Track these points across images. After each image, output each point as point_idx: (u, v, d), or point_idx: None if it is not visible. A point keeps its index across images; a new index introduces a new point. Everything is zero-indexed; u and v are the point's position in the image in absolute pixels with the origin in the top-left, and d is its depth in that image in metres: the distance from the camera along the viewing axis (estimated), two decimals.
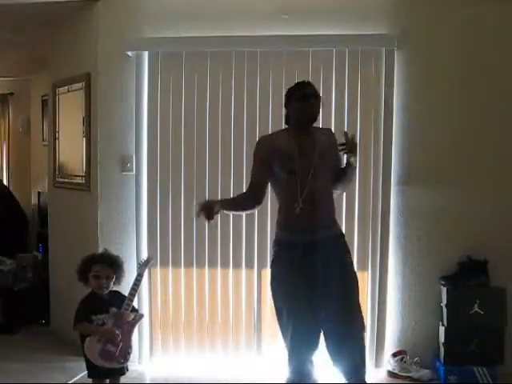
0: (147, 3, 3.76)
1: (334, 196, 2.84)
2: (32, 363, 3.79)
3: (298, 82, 2.83)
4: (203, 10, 3.70)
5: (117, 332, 2.77)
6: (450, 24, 3.61)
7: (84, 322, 2.80)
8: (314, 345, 2.72)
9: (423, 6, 3.61)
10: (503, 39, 3.60)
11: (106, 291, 2.88)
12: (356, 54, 3.62)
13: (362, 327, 2.74)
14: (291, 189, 2.72)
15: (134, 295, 2.91)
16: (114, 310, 2.82)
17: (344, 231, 2.93)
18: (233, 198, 3.12)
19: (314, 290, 2.67)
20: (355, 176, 3.08)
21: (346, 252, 2.80)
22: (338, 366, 2.69)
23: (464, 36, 3.61)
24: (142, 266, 3.06)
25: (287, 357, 2.74)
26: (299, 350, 2.71)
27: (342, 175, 2.84)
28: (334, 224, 2.82)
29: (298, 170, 2.70)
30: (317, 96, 2.78)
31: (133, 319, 2.88)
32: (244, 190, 2.94)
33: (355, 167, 2.87)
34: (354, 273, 2.79)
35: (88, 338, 2.78)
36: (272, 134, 2.98)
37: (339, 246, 2.78)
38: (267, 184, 2.83)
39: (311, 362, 2.73)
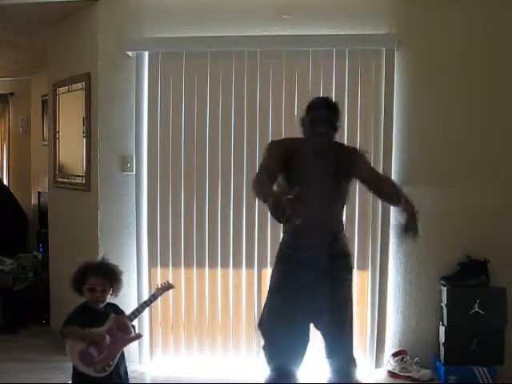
0: (147, 3, 3.76)
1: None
2: (32, 363, 3.79)
3: (315, 99, 2.69)
4: (203, 10, 3.70)
5: (107, 337, 2.58)
6: (450, 24, 3.61)
7: (73, 327, 2.57)
8: (296, 358, 2.67)
9: (423, 6, 3.60)
10: (503, 39, 3.60)
11: (102, 305, 2.66)
12: (356, 54, 3.62)
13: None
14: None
15: (141, 311, 2.80)
16: (114, 316, 2.66)
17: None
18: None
19: (303, 307, 2.62)
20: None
21: (343, 273, 2.70)
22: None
23: (464, 36, 3.61)
24: (160, 289, 2.92)
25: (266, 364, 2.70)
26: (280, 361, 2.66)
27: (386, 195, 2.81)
28: (335, 242, 2.70)
29: (300, 181, 2.51)
30: (328, 122, 2.60)
31: (131, 335, 2.70)
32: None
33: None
34: (346, 296, 2.69)
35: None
36: (288, 139, 2.86)
37: (337, 265, 2.67)
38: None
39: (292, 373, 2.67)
